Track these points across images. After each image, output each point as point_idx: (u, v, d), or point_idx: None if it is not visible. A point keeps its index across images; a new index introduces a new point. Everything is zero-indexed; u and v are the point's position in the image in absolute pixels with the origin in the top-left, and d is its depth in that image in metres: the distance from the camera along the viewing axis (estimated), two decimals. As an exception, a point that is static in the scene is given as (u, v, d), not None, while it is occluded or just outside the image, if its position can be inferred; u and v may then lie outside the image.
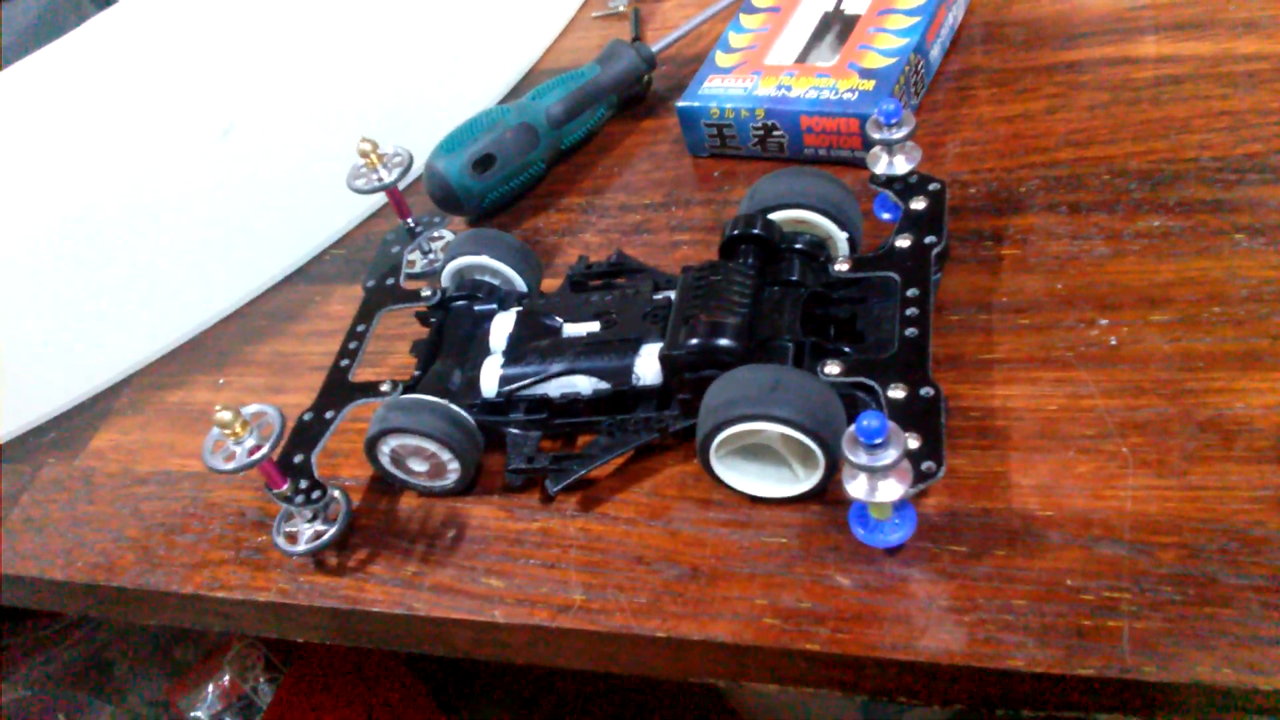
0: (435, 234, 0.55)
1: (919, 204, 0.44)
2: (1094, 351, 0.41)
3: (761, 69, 0.54)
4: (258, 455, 0.41)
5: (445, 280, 0.51)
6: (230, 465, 0.41)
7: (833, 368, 0.40)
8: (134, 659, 1.09)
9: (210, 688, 1.07)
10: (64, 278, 0.57)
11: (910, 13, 0.54)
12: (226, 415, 0.41)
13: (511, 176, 0.58)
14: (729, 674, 0.39)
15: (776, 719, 1.00)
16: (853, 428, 0.34)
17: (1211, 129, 0.48)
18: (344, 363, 0.49)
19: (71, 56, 0.57)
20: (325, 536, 0.44)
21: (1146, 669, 0.32)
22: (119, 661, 1.08)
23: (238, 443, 0.41)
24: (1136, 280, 0.43)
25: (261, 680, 1.09)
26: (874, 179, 0.46)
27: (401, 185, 0.53)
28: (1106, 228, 0.45)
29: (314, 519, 0.44)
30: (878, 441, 0.34)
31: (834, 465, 0.38)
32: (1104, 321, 0.42)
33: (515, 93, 0.66)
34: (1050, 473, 0.38)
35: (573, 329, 0.46)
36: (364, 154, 0.51)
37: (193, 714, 1.07)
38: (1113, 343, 0.41)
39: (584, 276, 0.50)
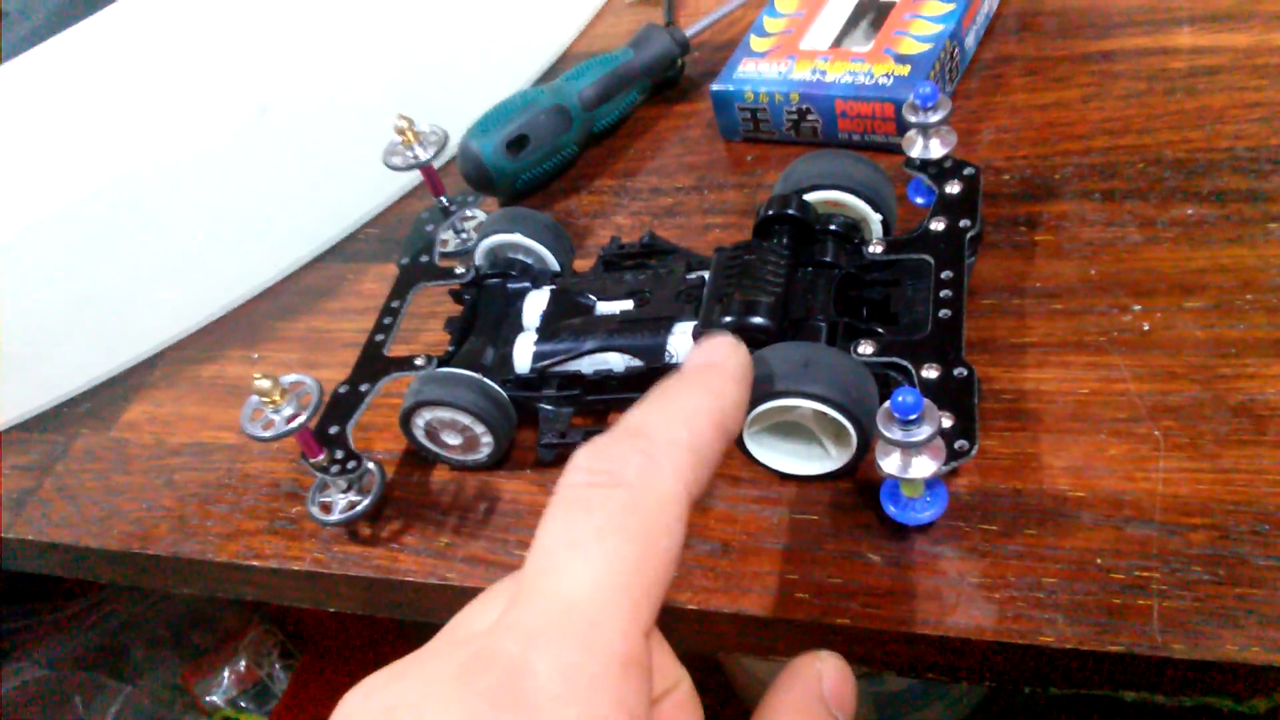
0: (469, 213, 0.56)
1: (954, 188, 0.44)
2: (1127, 337, 0.41)
3: (796, 53, 0.55)
4: (296, 423, 0.41)
5: (479, 258, 0.51)
6: (268, 433, 0.41)
7: (866, 347, 0.40)
8: (150, 643, 1.10)
9: (226, 672, 1.08)
10: (99, 251, 0.57)
11: None
12: (266, 384, 0.41)
13: (545, 158, 0.58)
14: (759, 648, 0.39)
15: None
16: (888, 403, 0.34)
17: (1246, 119, 0.48)
18: (379, 337, 0.49)
19: (111, 33, 0.58)
20: (359, 507, 0.44)
21: (1176, 647, 0.33)
22: (135, 645, 1.09)
23: (276, 411, 0.42)
24: (1170, 267, 0.43)
25: (277, 665, 1.10)
26: (909, 162, 0.46)
27: (437, 164, 0.53)
28: (1140, 215, 0.45)
29: (348, 489, 0.45)
30: (913, 417, 0.34)
31: (866, 443, 0.39)
32: (1137, 307, 0.42)
33: (549, 75, 0.67)
34: (1082, 454, 0.38)
35: (606, 307, 0.47)
36: (400, 131, 0.52)
37: (208, 698, 1.08)
38: (1146, 328, 0.41)
39: (617, 256, 0.50)
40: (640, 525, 0.23)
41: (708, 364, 0.27)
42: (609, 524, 0.23)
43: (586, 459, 0.24)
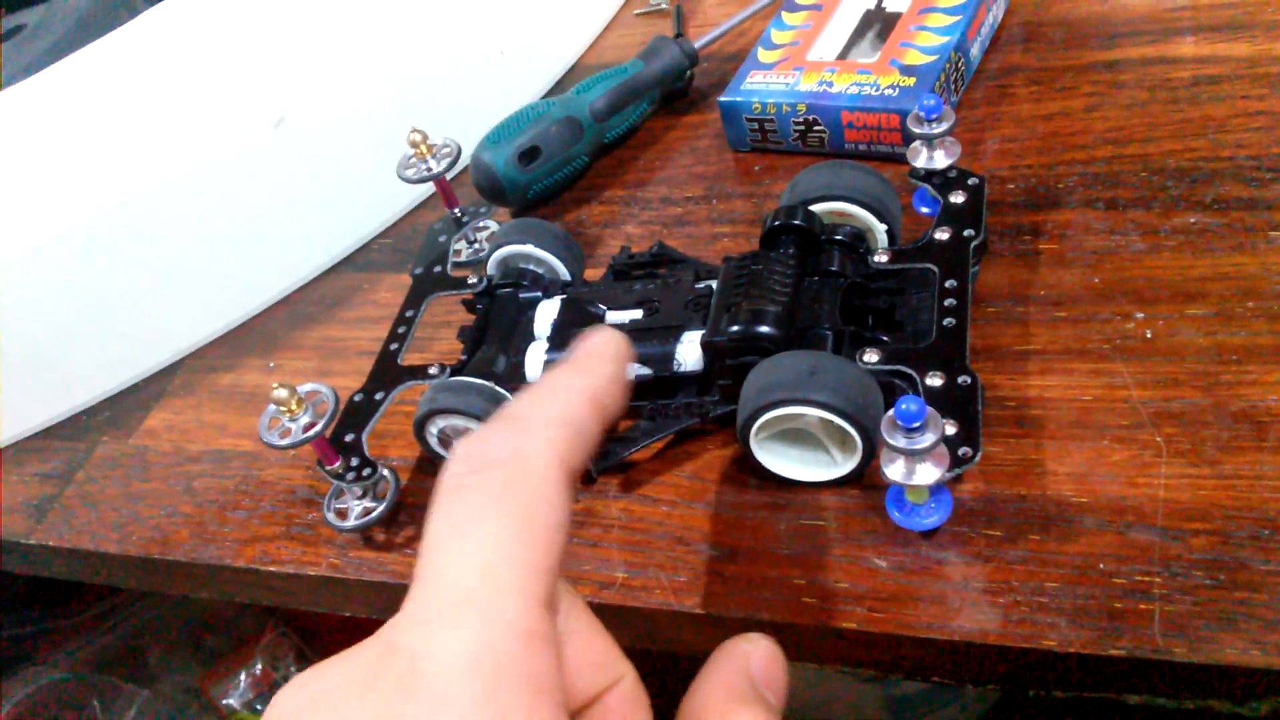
0: (481, 224, 0.56)
1: (958, 198, 0.45)
2: (1129, 344, 0.42)
3: (803, 65, 0.55)
4: (312, 432, 0.42)
5: (491, 268, 0.52)
6: (285, 441, 0.42)
7: (871, 355, 0.41)
8: (167, 646, 1.11)
9: (243, 676, 1.09)
10: (120, 262, 0.58)
11: (951, 11, 0.55)
12: (283, 393, 0.42)
13: (555, 169, 0.59)
14: (766, 652, 0.40)
15: (804, 715, 1.01)
16: (892, 411, 0.35)
17: (1248, 129, 0.48)
18: (393, 346, 0.50)
19: (127, 49, 0.59)
20: (374, 513, 0.45)
21: (1177, 650, 0.33)
22: (153, 649, 1.10)
23: (293, 420, 0.42)
24: (1172, 275, 0.44)
25: (293, 669, 1.11)
26: (913, 173, 0.47)
27: (449, 176, 0.54)
28: (1143, 224, 0.46)
29: (364, 496, 0.46)
30: (916, 425, 0.35)
31: (871, 450, 0.39)
32: (1140, 315, 0.43)
33: (559, 87, 0.68)
34: (1085, 461, 0.39)
35: (615, 316, 0.47)
36: (414, 144, 0.53)
37: (225, 701, 1.08)
38: (1148, 335, 0.42)
39: (626, 266, 0.51)
40: (517, 501, 0.23)
41: (583, 352, 0.28)
42: (487, 505, 0.23)
43: (463, 448, 0.24)
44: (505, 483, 0.23)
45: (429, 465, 0.49)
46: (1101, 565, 0.36)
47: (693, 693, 0.25)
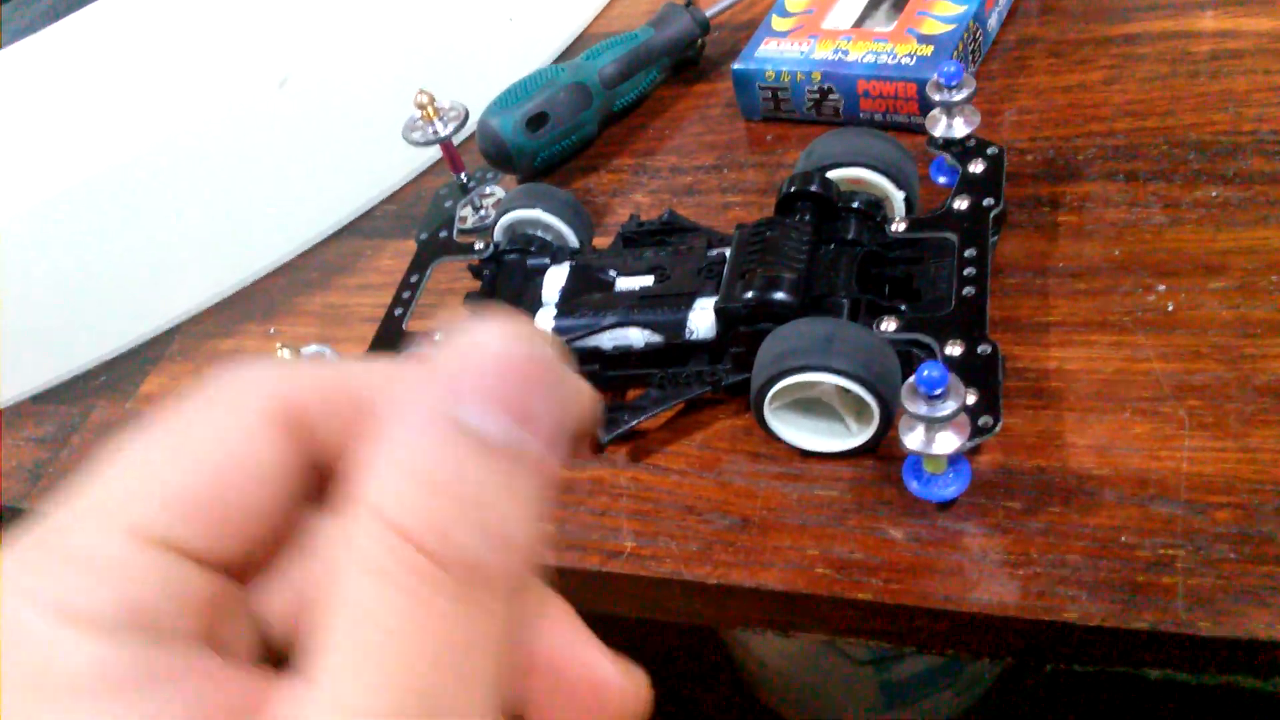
0: (487, 190, 0.55)
1: (977, 167, 0.44)
2: (1151, 316, 0.41)
3: (818, 33, 0.54)
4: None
5: (498, 234, 0.51)
6: (289, 403, 0.41)
7: (888, 324, 0.40)
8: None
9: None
10: (117, 225, 0.57)
11: (969, -19, 0.54)
12: (285, 354, 0.41)
13: (564, 136, 0.58)
14: (779, 623, 0.39)
15: (797, 698, 1.01)
16: (913, 378, 0.34)
17: (1270, 103, 0.48)
18: (398, 312, 0.49)
19: (130, 7, 0.58)
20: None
21: (1201, 624, 0.33)
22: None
23: (297, 382, 0.41)
24: (1194, 248, 0.43)
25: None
26: (932, 141, 0.46)
27: (456, 140, 0.53)
28: (1164, 196, 0.45)
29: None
30: (938, 392, 0.34)
31: (888, 419, 0.39)
32: (1161, 288, 0.42)
33: (569, 53, 0.67)
34: (1106, 433, 0.38)
35: (626, 283, 0.47)
36: (421, 106, 0.52)
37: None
38: (1170, 308, 0.41)
39: (636, 233, 0.50)
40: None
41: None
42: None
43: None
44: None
45: (433, 432, 0.48)
46: (1124, 538, 0.35)
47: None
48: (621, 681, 0.20)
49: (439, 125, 0.52)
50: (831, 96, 0.53)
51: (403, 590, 0.16)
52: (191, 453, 0.19)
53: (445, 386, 0.18)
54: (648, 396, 0.44)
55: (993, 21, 0.55)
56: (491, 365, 0.18)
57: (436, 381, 0.18)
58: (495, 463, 0.17)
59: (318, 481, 0.20)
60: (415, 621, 0.16)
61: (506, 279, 0.50)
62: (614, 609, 0.42)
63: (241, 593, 0.20)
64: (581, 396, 0.20)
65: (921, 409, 0.34)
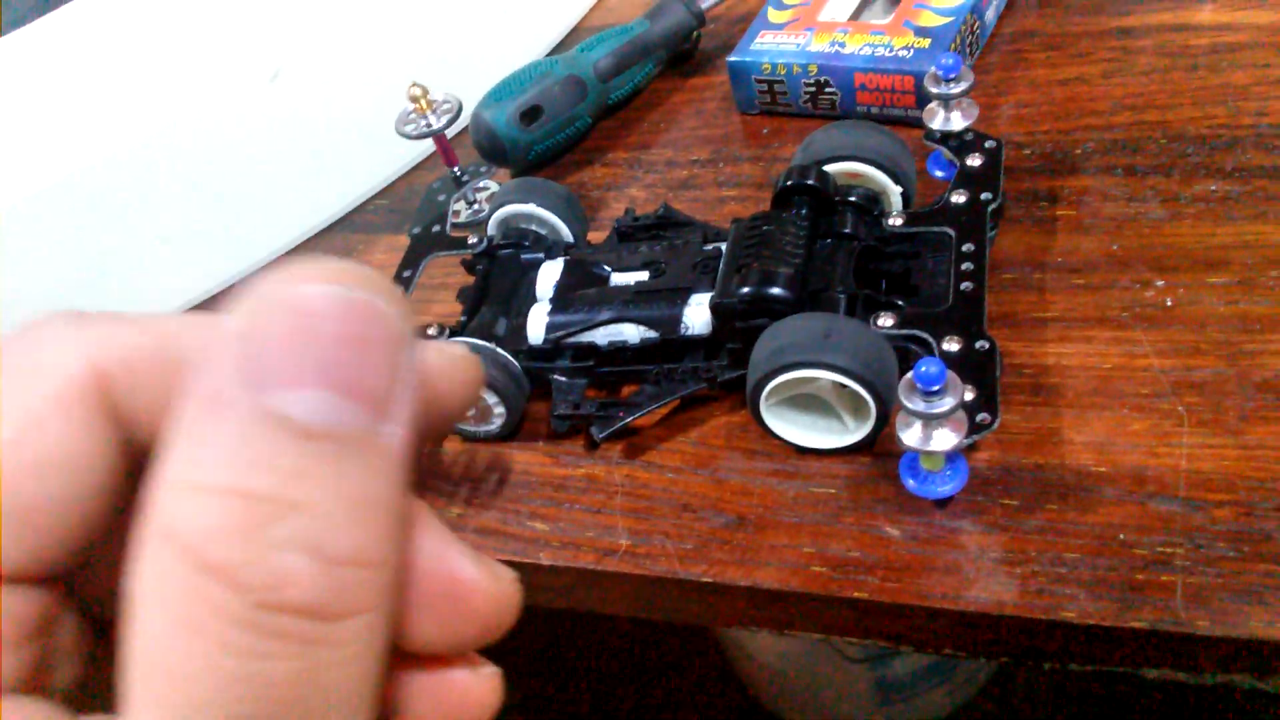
0: (481, 184, 0.55)
1: (975, 161, 0.44)
2: (1150, 312, 0.41)
3: (815, 26, 0.54)
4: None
5: (491, 229, 0.51)
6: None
7: (886, 319, 0.40)
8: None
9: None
10: (107, 220, 0.57)
11: (966, -27, 0.54)
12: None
13: (558, 129, 0.57)
14: (774, 622, 0.39)
15: (792, 696, 1.01)
16: (910, 374, 0.34)
17: (1269, 96, 0.47)
18: (390, 307, 0.49)
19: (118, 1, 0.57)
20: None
21: (1200, 623, 0.32)
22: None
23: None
24: (1193, 243, 0.43)
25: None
26: (929, 134, 0.45)
27: (450, 133, 0.53)
28: (1163, 191, 0.45)
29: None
30: (936, 388, 0.34)
31: (885, 416, 0.38)
32: (1160, 283, 0.42)
33: (563, 46, 0.66)
34: (1104, 430, 0.38)
35: (621, 278, 0.46)
36: (414, 99, 0.51)
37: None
38: (1169, 304, 0.41)
39: (631, 228, 0.50)
40: None
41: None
42: None
43: None
44: None
45: (426, 428, 0.47)
46: (1122, 536, 0.35)
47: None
48: (486, 582, 0.18)
49: (432, 118, 0.52)
50: (828, 89, 0.53)
51: (200, 634, 0.13)
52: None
53: (239, 360, 0.14)
54: (642, 393, 0.43)
55: (990, 14, 0.55)
56: (296, 325, 0.14)
57: (228, 355, 0.14)
58: (325, 455, 0.14)
59: (139, 462, 0.17)
60: (220, 672, 0.13)
61: (500, 274, 0.49)
62: (608, 608, 0.42)
63: (67, 596, 0.18)
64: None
65: (919, 405, 0.34)
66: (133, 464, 0.17)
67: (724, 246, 0.44)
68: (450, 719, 0.18)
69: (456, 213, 0.55)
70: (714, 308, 0.42)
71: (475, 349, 0.43)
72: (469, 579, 0.18)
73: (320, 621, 0.14)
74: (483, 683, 0.19)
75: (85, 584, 0.18)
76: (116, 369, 0.17)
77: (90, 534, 0.17)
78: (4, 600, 0.16)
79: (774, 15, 0.56)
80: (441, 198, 0.54)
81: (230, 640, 0.13)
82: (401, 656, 0.18)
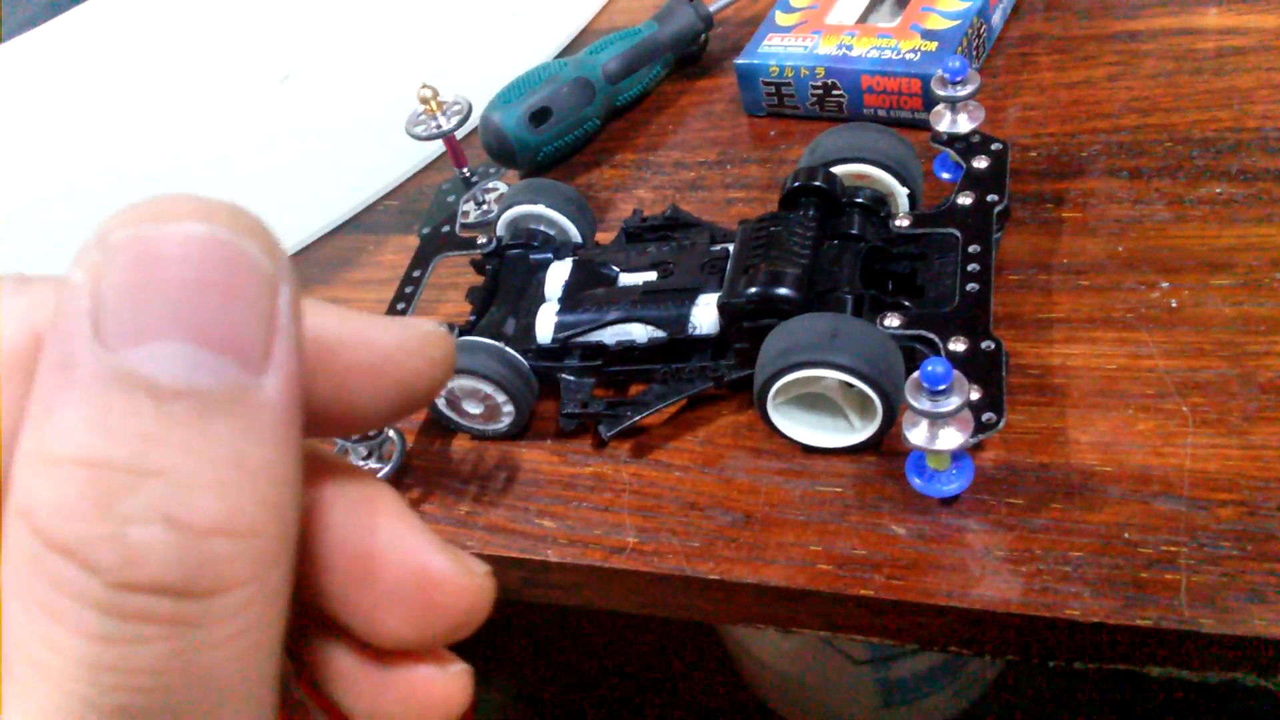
0: (490, 185, 0.55)
1: (981, 163, 0.44)
2: (1154, 313, 0.41)
3: (822, 28, 0.54)
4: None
5: (500, 229, 0.51)
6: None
7: (892, 320, 0.40)
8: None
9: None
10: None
11: (973, -23, 0.54)
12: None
13: (566, 131, 0.58)
14: (781, 619, 0.39)
15: (796, 697, 1.01)
16: (917, 373, 0.34)
17: (1275, 100, 0.48)
18: (400, 306, 0.49)
19: (133, 2, 0.58)
20: (380, 474, 0.44)
21: (1204, 621, 0.33)
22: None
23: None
24: (1198, 245, 0.43)
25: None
26: (936, 137, 0.46)
27: (459, 135, 0.53)
28: (1168, 193, 0.45)
29: (369, 456, 0.45)
30: (942, 388, 0.34)
31: (891, 415, 0.39)
32: (1165, 284, 0.42)
33: (572, 48, 0.66)
34: (1109, 430, 0.38)
35: (629, 278, 0.47)
36: (424, 100, 0.52)
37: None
38: (1173, 305, 0.41)
39: (639, 228, 0.50)
40: None
41: None
42: None
43: None
44: None
45: (435, 427, 0.48)
46: (1127, 535, 0.35)
47: None
48: (456, 574, 0.17)
49: (442, 119, 0.52)
50: (835, 92, 0.53)
51: (59, 620, 0.12)
52: None
53: (84, 316, 0.13)
54: (650, 392, 0.44)
55: (997, 17, 0.55)
56: (145, 272, 0.13)
57: (74, 311, 0.13)
58: (169, 412, 0.12)
59: None
60: (84, 662, 0.12)
61: (509, 274, 0.50)
62: (616, 605, 0.42)
63: None
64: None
65: (925, 405, 0.34)
66: None
67: (731, 247, 0.44)
68: (418, 718, 0.18)
69: (466, 213, 0.55)
70: (721, 308, 0.42)
71: (484, 348, 0.44)
72: (438, 570, 0.17)
73: (186, 599, 0.12)
74: (451, 681, 0.18)
75: None
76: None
77: None
78: None
79: (781, 18, 0.56)
80: (451, 198, 0.54)
81: (90, 626, 0.12)
82: (366, 653, 0.17)
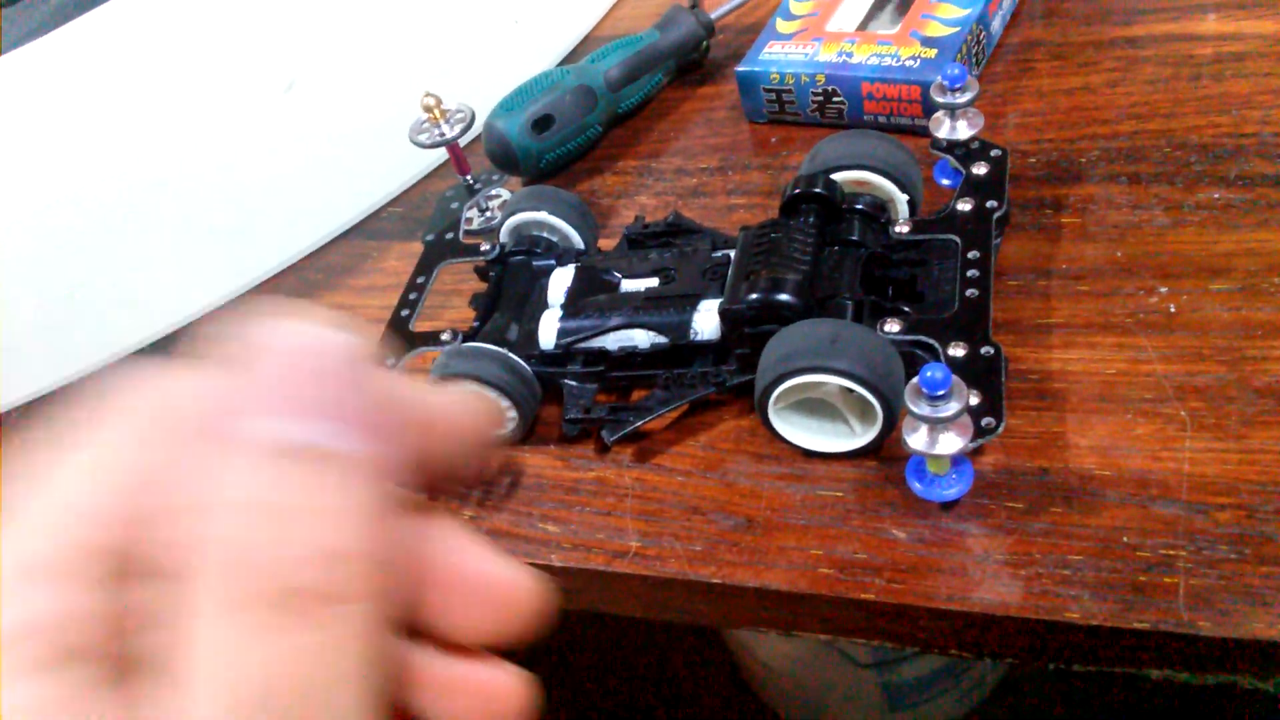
0: (493, 192, 0.56)
1: (980, 169, 0.45)
2: (1153, 318, 0.41)
3: (822, 36, 0.55)
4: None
5: (503, 236, 0.52)
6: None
7: (892, 325, 0.40)
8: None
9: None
10: (123, 227, 0.58)
11: (972, -16, 0.54)
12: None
13: (569, 138, 0.58)
14: (782, 623, 0.40)
15: (799, 700, 1.01)
16: (916, 379, 0.35)
17: (1272, 105, 0.48)
18: (404, 313, 0.49)
19: (136, 10, 0.58)
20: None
21: (1202, 624, 0.33)
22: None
23: (304, 382, 0.42)
24: (1196, 250, 0.43)
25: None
26: (935, 144, 0.46)
27: (463, 142, 0.53)
28: (1167, 199, 0.46)
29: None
30: (941, 393, 0.34)
31: (892, 420, 0.39)
32: (1163, 289, 0.42)
33: (574, 56, 0.67)
34: (1108, 434, 0.38)
35: (631, 285, 0.47)
36: (428, 108, 0.52)
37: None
38: (1172, 310, 0.41)
39: (641, 235, 0.51)
40: None
41: None
42: None
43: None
44: None
45: (439, 433, 0.48)
46: (1125, 538, 0.35)
47: None
48: (515, 578, 0.21)
49: (445, 127, 0.53)
50: (836, 99, 0.53)
51: (241, 627, 0.16)
52: (106, 467, 0.19)
53: (241, 400, 0.17)
54: (652, 397, 0.44)
55: (996, 24, 0.55)
56: (277, 365, 0.17)
57: (229, 396, 0.17)
58: (305, 471, 0.17)
59: None
60: (254, 641, 0.16)
61: (512, 280, 0.50)
62: (619, 609, 0.42)
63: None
64: (417, 393, 0.20)
65: (925, 410, 0.35)
66: None
67: (733, 253, 0.45)
68: (484, 714, 0.21)
69: (469, 220, 0.55)
70: (723, 314, 0.42)
71: (488, 354, 0.44)
72: (499, 576, 0.20)
73: (328, 604, 0.17)
74: (515, 682, 0.21)
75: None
76: (186, 408, 0.19)
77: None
78: (100, 592, 0.18)
79: (782, 26, 0.57)
80: (454, 205, 0.55)
81: (262, 618, 0.16)
82: (438, 655, 0.20)
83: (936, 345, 0.39)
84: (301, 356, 0.17)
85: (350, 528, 0.17)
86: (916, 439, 0.35)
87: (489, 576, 0.21)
